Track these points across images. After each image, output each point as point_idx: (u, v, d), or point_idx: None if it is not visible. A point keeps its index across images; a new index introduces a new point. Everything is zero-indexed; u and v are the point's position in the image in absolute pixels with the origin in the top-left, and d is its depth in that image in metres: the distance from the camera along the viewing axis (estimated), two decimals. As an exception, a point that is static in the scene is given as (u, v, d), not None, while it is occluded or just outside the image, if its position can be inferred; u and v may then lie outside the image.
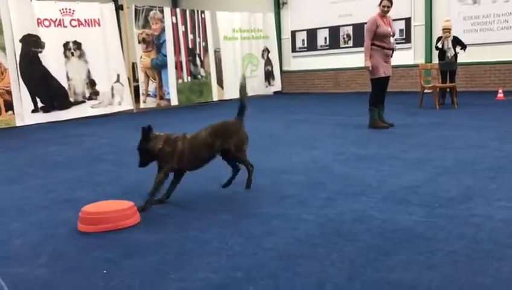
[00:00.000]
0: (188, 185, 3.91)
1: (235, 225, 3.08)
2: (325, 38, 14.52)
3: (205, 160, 3.68)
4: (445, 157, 4.77)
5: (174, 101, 12.16)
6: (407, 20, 12.68)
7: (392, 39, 6.80)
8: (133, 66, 12.25)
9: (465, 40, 9.51)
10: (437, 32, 10.98)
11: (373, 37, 6.66)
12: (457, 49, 9.29)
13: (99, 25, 10.67)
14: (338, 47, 14.26)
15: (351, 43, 13.92)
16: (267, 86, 14.69)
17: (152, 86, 11.82)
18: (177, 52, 12.15)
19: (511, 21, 11.18)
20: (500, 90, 10.00)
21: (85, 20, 10.46)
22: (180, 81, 12.30)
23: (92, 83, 10.62)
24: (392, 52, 6.85)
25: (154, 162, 3.58)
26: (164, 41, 11.89)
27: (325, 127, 7.42)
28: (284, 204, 3.49)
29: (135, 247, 2.79)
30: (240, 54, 13.73)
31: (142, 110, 11.43)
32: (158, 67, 11.86)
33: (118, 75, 11.01)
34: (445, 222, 2.95)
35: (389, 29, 6.70)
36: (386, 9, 6.68)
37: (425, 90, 9.33)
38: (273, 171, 4.55)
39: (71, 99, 10.27)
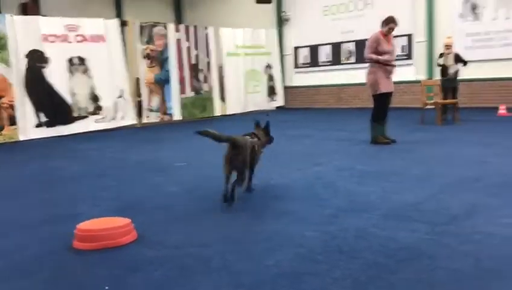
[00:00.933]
0: (187, 201, 3.92)
1: (236, 242, 3.07)
2: (327, 55, 14.62)
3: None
4: (448, 174, 4.77)
5: (177, 116, 12.22)
6: (409, 37, 12.76)
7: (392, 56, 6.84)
8: (137, 81, 12.34)
9: (466, 56, 9.55)
10: (438, 49, 11.04)
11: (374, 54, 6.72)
12: (459, 65, 9.33)
13: (103, 40, 10.77)
14: (340, 63, 14.35)
15: (353, 59, 14.00)
16: (269, 101, 14.77)
17: (155, 101, 11.89)
18: (180, 67, 12.25)
19: (511, 38, 11.25)
20: (502, 107, 10.02)
21: (90, 36, 10.57)
22: (183, 96, 12.37)
23: (95, 98, 10.68)
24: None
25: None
26: (168, 57, 11.99)
27: (327, 143, 7.43)
28: (286, 220, 3.49)
29: (137, 263, 2.79)
30: (243, 69, 13.84)
31: (145, 125, 11.48)
32: (161, 83, 11.95)
33: (122, 90, 11.08)
34: (448, 239, 2.94)
35: (390, 47, 6.76)
36: (392, 30, 6.76)
37: (427, 106, 9.35)
38: (276, 187, 4.55)
39: (74, 114, 10.32)
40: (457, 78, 9.46)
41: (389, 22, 6.70)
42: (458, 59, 9.37)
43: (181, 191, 4.61)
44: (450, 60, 9.32)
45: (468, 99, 11.61)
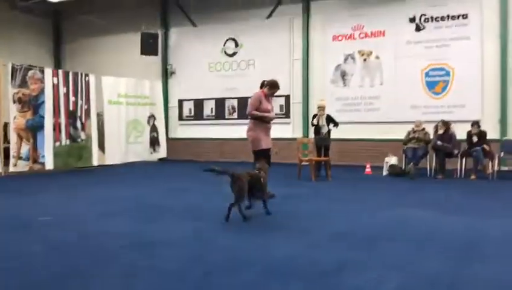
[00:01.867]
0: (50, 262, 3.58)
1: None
2: (212, 109, 14.94)
3: None
4: (320, 229, 5.02)
5: (50, 165, 11.38)
6: (287, 98, 13.61)
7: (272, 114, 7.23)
8: (5, 126, 11.38)
9: (337, 118, 10.40)
10: (313, 110, 11.90)
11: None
12: (331, 126, 10.11)
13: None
14: (223, 118, 14.72)
15: (235, 115, 14.47)
16: (151, 153, 14.50)
17: (25, 149, 10.99)
18: (56, 113, 11.57)
19: (376, 104, 12.56)
20: (368, 165, 10.99)
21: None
22: (57, 144, 11.63)
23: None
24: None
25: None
26: (43, 102, 11.28)
27: (208, 197, 7.43)
28: (162, 281, 3.36)
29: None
30: (125, 118, 13.51)
31: (11, 174, 10.50)
32: (34, 129, 11.13)
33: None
34: (319, 294, 3.06)
35: (270, 106, 7.15)
36: (274, 94, 7.19)
37: (303, 163, 9.91)
38: (153, 244, 4.40)
39: None
40: (330, 137, 10.22)
41: (274, 87, 7.11)
42: (330, 120, 10.15)
43: (44, 249, 4.24)
44: (323, 121, 10.07)
45: (340, 158, 12.54)
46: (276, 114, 7.81)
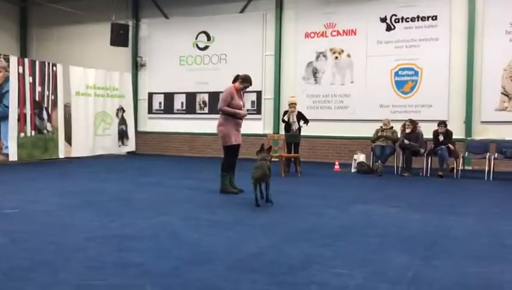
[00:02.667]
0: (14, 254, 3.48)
1: (70, 299, 2.82)
2: (182, 103, 14.80)
3: None
4: (288, 225, 5.06)
5: (13, 156, 11.06)
6: (259, 93, 13.62)
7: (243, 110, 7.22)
8: (-34, 116, 11.00)
9: (308, 115, 10.47)
10: (284, 106, 11.95)
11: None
12: (301, 123, 10.17)
13: None
14: (194, 112, 14.61)
15: (206, 110, 14.39)
16: (120, 146, 14.27)
17: (-13, 139, 10.64)
18: (21, 104, 11.24)
19: (345, 102, 12.71)
20: (336, 162, 11.12)
21: None
22: (22, 135, 11.30)
23: None
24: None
25: None
26: (7, 91, 10.94)
27: (177, 191, 7.38)
28: (127, 274, 3.31)
29: None
30: (93, 110, 13.24)
31: (-28, 165, 10.16)
32: (-3, 119, 10.79)
33: None
34: (286, 289, 3.07)
35: (241, 102, 7.14)
36: (246, 89, 7.19)
37: (273, 159, 9.92)
38: (119, 238, 4.33)
39: None
40: (300, 134, 10.28)
41: (246, 82, 7.10)
42: (301, 117, 10.21)
43: (6, 242, 4.11)
44: (293, 118, 10.12)
45: (309, 154, 12.67)
46: (247, 110, 7.80)
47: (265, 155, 6.31)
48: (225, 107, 6.99)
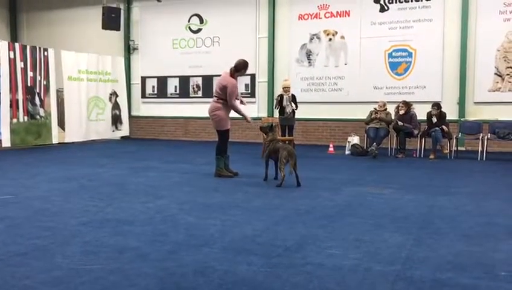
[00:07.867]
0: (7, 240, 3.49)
1: (67, 282, 2.83)
2: (175, 87, 14.72)
3: None
4: (283, 207, 5.09)
5: (6, 142, 10.99)
6: (252, 76, 13.55)
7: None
8: (-43, 102, 10.88)
9: (302, 98, 10.48)
10: (278, 89, 11.92)
11: (223, 94, 6.98)
12: (293, 106, 10.17)
13: None
14: (188, 96, 14.55)
15: (200, 94, 14.33)
16: (113, 131, 14.22)
17: (-20, 125, 10.56)
18: (13, 89, 11.14)
19: (339, 84, 12.68)
20: (331, 145, 11.14)
21: None
22: (15, 120, 11.23)
23: None
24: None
25: None
26: (-1, 77, 10.83)
27: (172, 175, 7.39)
28: (123, 258, 3.33)
29: None
30: (86, 95, 13.15)
31: (-35, 152, 10.10)
32: (-12, 105, 10.70)
33: None
34: (281, 271, 3.11)
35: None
36: (242, 75, 7.27)
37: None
38: (114, 222, 4.34)
39: None
40: (294, 117, 10.28)
41: (245, 68, 7.12)
42: (293, 100, 10.20)
43: (2, 227, 4.12)
44: (287, 101, 10.10)
45: (304, 137, 12.69)
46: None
47: (275, 135, 6.97)
48: (237, 106, 7.07)
